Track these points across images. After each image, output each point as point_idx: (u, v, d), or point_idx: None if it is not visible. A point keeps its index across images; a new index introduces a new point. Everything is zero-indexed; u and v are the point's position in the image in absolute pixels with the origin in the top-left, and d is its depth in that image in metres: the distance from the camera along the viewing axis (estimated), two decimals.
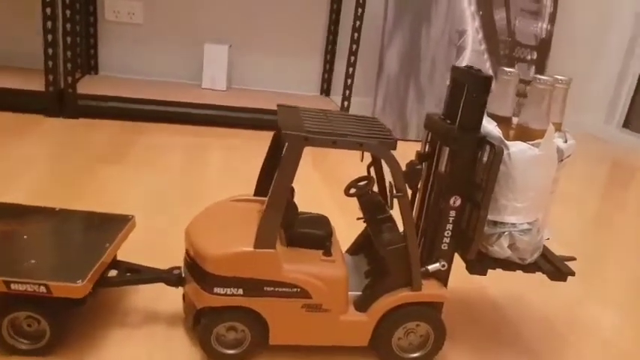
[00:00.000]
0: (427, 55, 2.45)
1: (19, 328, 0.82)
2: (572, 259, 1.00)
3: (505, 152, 0.85)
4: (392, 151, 0.82)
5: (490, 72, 2.54)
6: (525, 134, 0.90)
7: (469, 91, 0.85)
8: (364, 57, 2.40)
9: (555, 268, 0.94)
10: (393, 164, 0.82)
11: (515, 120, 0.95)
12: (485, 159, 0.87)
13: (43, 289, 0.77)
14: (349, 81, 2.36)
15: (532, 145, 0.86)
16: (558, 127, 0.92)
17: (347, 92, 2.37)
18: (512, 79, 0.93)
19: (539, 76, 0.88)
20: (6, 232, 0.90)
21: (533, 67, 2.65)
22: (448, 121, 0.91)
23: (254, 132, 2.26)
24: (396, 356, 0.92)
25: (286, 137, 0.79)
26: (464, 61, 2.50)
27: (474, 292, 1.22)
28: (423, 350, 0.93)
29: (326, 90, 2.70)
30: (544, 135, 0.87)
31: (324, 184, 1.76)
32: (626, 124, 2.93)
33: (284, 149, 0.80)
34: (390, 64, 2.43)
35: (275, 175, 0.81)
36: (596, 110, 2.98)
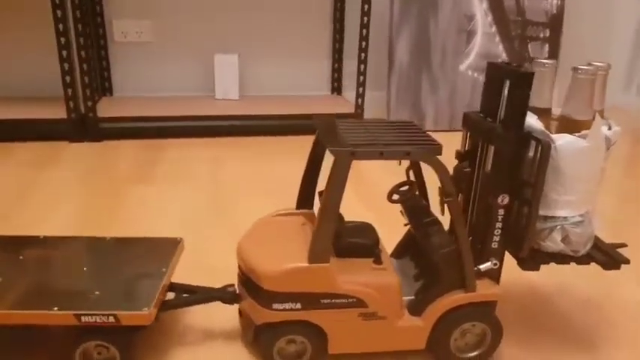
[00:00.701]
0: (437, 43, 2.43)
1: (89, 357, 0.85)
2: (624, 245, 0.99)
3: (552, 146, 0.84)
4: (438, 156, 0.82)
5: (504, 55, 2.50)
6: (570, 126, 0.88)
7: (511, 87, 0.84)
8: (373, 52, 2.39)
9: (609, 257, 0.93)
10: (441, 169, 0.82)
11: (555, 111, 0.94)
12: (531, 154, 0.87)
13: (112, 319, 0.80)
14: (361, 78, 2.35)
15: (579, 136, 0.85)
16: (601, 114, 0.91)
17: (360, 89, 2.36)
18: (549, 69, 0.92)
19: (580, 67, 0.87)
20: (66, 265, 0.93)
21: (547, 45, 2.59)
22: (489, 119, 0.91)
23: (271, 138, 2.28)
24: (454, 357, 0.93)
25: (333, 153, 0.80)
26: (475, 46, 2.47)
27: (521, 286, 1.21)
28: (480, 349, 0.94)
29: (337, 89, 2.70)
30: (589, 125, 0.86)
31: (350, 187, 1.76)
32: None
33: (332, 165, 0.80)
34: (400, 56, 2.41)
35: (324, 192, 0.82)
36: (613, 80, 2.90)
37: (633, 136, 2.52)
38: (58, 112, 2.12)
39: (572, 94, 0.88)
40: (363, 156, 0.80)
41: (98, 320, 0.80)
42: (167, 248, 0.99)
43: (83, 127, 2.16)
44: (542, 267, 0.93)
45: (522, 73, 0.83)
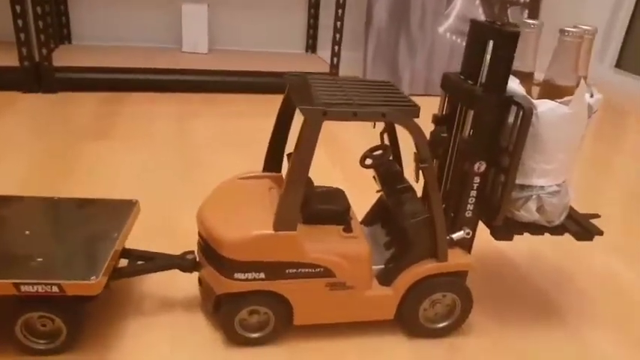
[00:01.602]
0: (417, 2, 2.34)
1: (33, 329, 0.78)
2: (597, 216, 0.97)
3: (533, 112, 0.80)
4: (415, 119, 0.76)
5: (483, 18, 2.44)
6: (552, 91, 0.84)
7: (495, 47, 0.79)
8: (350, 9, 2.28)
9: (583, 228, 0.91)
10: (418, 133, 0.76)
11: (538, 75, 0.89)
12: (511, 120, 0.82)
13: (55, 289, 0.73)
14: (338, 36, 2.24)
15: (561, 103, 0.81)
16: (584, 80, 0.87)
17: (336, 48, 2.26)
18: (535, 31, 0.87)
19: (567, 29, 0.81)
20: (7, 229, 0.84)
21: (527, 10, 2.55)
22: (470, 82, 0.85)
23: (241, 96, 2.17)
24: (423, 327, 0.91)
25: (303, 112, 0.73)
26: (455, 8, 2.40)
27: (491, 253, 1.20)
28: (450, 319, 0.92)
29: (311, 46, 2.58)
30: (572, 91, 0.82)
31: (322, 150, 1.70)
32: (618, 63, 2.86)
33: (302, 125, 0.74)
34: (378, 15, 2.32)
35: (293, 154, 0.76)
36: None
37: (605, 110, 2.54)
38: (10, 60, 1.96)
39: (557, 58, 0.83)
40: (335, 116, 0.74)
41: (40, 290, 0.73)
42: (121, 211, 0.91)
43: (37, 76, 1.99)
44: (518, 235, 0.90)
45: (507, 32, 0.77)
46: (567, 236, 0.92)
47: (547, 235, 0.91)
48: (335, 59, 2.28)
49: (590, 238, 0.92)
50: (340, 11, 2.20)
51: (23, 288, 0.72)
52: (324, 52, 2.39)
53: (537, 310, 1.03)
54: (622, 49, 2.84)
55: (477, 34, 0.84)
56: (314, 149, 0.75)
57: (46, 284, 0.73)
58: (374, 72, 2.37)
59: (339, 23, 2.22)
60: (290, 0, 2.51)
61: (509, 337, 0.95)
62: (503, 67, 0.79)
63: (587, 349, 0.94)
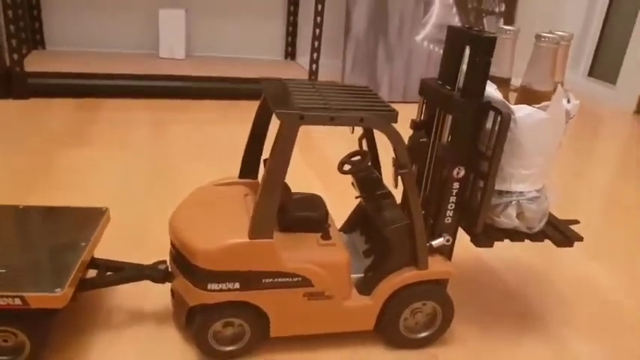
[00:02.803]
0: (394, 12, 2.37)
1: None
2: (576, 222, 0.97)
3: (511, 118, 0.79)
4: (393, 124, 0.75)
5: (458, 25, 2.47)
6: (530, 96, 0.84)
7: (472, 53, 0.78)
8: (329, 17, 2.28)
9: (562, 234, 0.91)
10: (396, 138, 0.75)
11: (515, 81, 0.89)
12: (489, 126, 0.82)
13: (18, 301, 0.69)
14: (317, 43, 2.24)
15: (538, 108, 0.81)
16: (561, 86, 0.87)
17: (315, 55, 2.25)
18: (511, 37, 0.87)
19: (543, 34, 0.82)
20: None
21: (502, 19, 2.60)
22: (447, 87, 0.84)
23: (218, 102, 2.14)
24: (404, 337, 0.89)
25: (279, 116, 0.71)
26: (432, 16, 2.43)
27: (472, 261, 1.19)
28: (430, 329, 0.90)
29: (291, 53, 2.58)
30: (549, 97, 0.82)
31: (301, 157, 1.68)
32: (591, 72, 2.92)
33: (278, 130, 0.72)
34: (357, 23, 2.33)
35: (269, 159, 0.74)
36: None
37: (579, 118, 2.59)
38: None
39: (534, 63, 0.83)
40: (312, 120, 0.72)
41: (2, 303, 0.69)
42: (90, 219, 0.88)
43: (8, 82, 1.94)
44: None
45: (485, 38, 0.77)
46: (547, 242, 0.91)
47: (527, 241, 0.91)
48: (314, 66, 2.27)
49: (570, 245, 0.91)
50: (319, 19, 2.20)
51: None
52: (304, 59, 2.39)
53: (518, 316, 1.03)
54: (594, 58, 2.91)
55: (454, 40, 0.84)
56: (290, 154, 0.73)
57: (7, 297, 0.69)
58: (353, 79, 2.38)
59: (317, 30, 2.22)
60: (269, 7, 2.50)
61: (491, 345, 0.94)
62: (480, 72, 0.78)
63: (569, 355, 0.93)
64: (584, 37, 2.92)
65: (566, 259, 1.24)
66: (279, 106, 0.72)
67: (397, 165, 0.78)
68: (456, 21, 2.47)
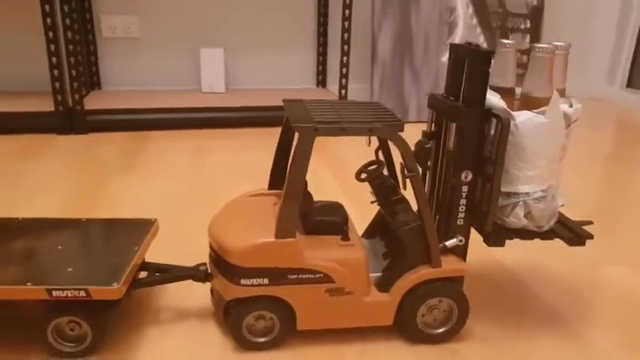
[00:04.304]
0: (419, 35, 2.46)
1: (62, 333, 0.86)
2: (589, 222, 1.01)
3: (512, 123, 0.86)
4: (400, 133, 0.84)
5: (485, 46, 2.52)
6: (530, 103, 0.90)
7: (470, 65, 0.86)
8: (356, 44, 2.43)
9: (573, 233, 0.95)
10: (402, 145, 0.84)
11: (518, 90, 0.96)
12: (492, 132, 0.89)
13: (82, 293, 0.82)
14: (344, 70, 2.39)
15: (538, 113, 0.87)
16: (562, 93, 0.93)
17: (343, 81, 2.40)
18: (512, 50, 0.94)
19: (538, 45, 0.89)
20: (42, 245, 0.95)
21: (528, 35, 2.62)
22: (452, 98, 0.93)
23: (255, 129, 2.31)
24: (422, 333, 0.95)
25: (297, 129, 0.82)
26: (457, 38, 2.50)
27: (491, 264, 1.23)
28: (447, 325, 0.96)
29: (322, 81, 2.73)
30: (548, 103, 0.88)
31: (328, 171, 1.80)
32: (630, 83, 2.87)
33: (296, 141, 0.83)
34: (383, 48, 2.44)
35: (288, 167, 0.84)
36: (597, 72, 2.93)
37: (615, 127, 2.55)
38: (46, 106, 2.15)
39: (532, 72, 0.90)
40: (325, 132, 0.82)
41: (69, 295, 0.82)
42: (141, 229, 1.01)
43: (70, 119, 2.19)
44: (515, 244, 0.94)
45: (480, 51, 0.85)
46: (565, 246, 0.95)
47: (547, 244, 0.95)
48: (343, 91, 2.41)
49: (582, 243, 0.95)
50: (346, 47, 2.36)
51: (55, 293, 0.82)
52: (334, 85, 2.53)
53: (538, 315, 1.06)
54: (631, 69, 2.86)
55: (456, 55, 0.92)
56: (308, 162, 0.83)
57: (74, 289, 0.82)
58: (381, 101, 2.48)
59: (345, 58, 2.37)
60: (299, 39, 2.68)
61: (511, 340, 0.98)
62: (480, 82, 0.86)
63: (589, 352, 0.96)
64: (618, 49, 2.89)
65: (582, 259, 1.25)
66: (297, 121, 0.83)
67: (405, 169, 0.86)
68: (481, 40, 2.52)
